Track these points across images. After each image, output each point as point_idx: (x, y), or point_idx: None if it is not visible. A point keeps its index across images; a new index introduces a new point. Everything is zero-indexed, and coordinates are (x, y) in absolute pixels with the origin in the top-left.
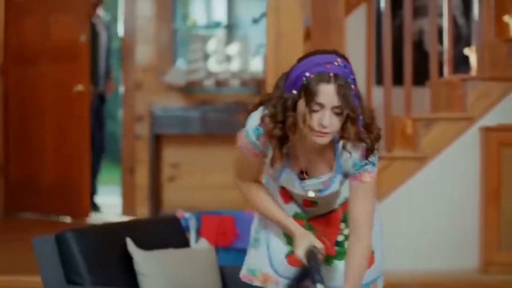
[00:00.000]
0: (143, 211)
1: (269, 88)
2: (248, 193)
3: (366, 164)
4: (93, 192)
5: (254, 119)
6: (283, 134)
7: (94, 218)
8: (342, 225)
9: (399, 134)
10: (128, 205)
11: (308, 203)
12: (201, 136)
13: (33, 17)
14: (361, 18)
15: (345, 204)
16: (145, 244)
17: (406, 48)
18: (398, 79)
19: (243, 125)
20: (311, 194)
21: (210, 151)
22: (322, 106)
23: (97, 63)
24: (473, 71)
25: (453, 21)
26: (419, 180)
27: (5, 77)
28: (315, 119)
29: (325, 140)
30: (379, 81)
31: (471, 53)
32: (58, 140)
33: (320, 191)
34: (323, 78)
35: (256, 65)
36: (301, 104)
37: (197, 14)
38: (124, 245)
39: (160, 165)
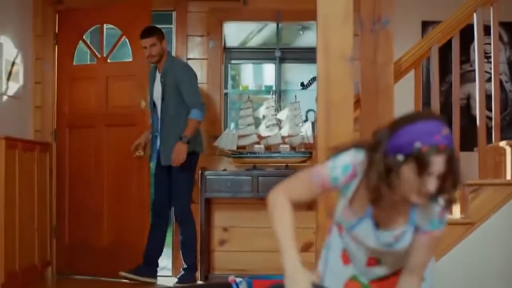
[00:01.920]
0: None
1: (322, 154)
2: (279, 209)
3: (442, 223)
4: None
5: (346, 157)
6: (379, 193)
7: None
8: None
9: None
10: (178, 268)
11: (373, 261)
12: (252, 200)
13: (93, 82)
14: (409, 83)
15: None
16: None
17: (454, 114)
18: None
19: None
20: (385, 242)
21: (260, 215)
22: (430, 174)
23: None
24: None
25: (501, 86)
26: (467, 245)
27: (61, 140)
28: (421, 186)
29: (423, 201)
30: None
31: None
32: (115, 203)
33: (390, 245)
34: (435, 151)
35: (305, 129)
36: (407, 170)
37: (248, 80)
38: None
39: (211, 228)
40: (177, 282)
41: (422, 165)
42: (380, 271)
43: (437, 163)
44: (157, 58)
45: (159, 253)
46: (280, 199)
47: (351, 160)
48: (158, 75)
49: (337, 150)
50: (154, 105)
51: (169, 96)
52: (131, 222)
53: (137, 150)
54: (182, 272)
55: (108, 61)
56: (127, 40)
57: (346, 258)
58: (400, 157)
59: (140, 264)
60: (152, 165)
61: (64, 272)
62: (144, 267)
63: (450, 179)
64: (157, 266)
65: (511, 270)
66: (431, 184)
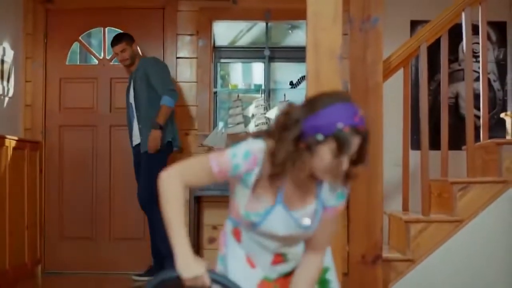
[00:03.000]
0: None
1: None
2: (171, 194)
3: (344, 196)
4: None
5: (245, 146)
6: (284, 168)
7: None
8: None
9: (436, 198)
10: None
11: (279, 258)
12: None
13: (89, 83)
14: (398, 81)
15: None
16: None
17: (443, 113)
18: (434, 143)
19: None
20: (307, 221)
21: None
22: (347, 154)
23: None
24: (509, 135)
25: (489, 86)
26: (455, 243)
27: (52, 139)
28: (337, 165)
29: (335, 180)
30: (416, 145)
31: (507, 117)
32: (106, 200)
33: (306, 228)
34: (355, 132)
35: None
36: (325, 149)
37: (237, 79)
38: None
39: (200, 226)
40: (140, 275)
41: (341, 145)
42: (286, 267)
43: (355, 144)
44: (130, 61)
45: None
46: (173, 182)
47: (250, 147)
48: (131, 77)
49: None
50: (129, 108)
51: (140, 91)
52: (121, 218)
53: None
54: (151, 264)
55: (111, 63)
56: None
57: (251, 262)
58: (319, 137)
59: (151, 265)
60: None
61: (54, 270)
62: (156, 267)
63: (360, 159)
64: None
65: (499, 267)
66: (345, 163)
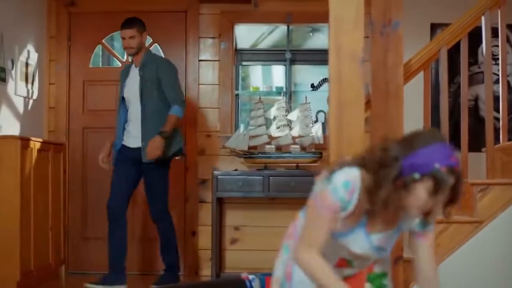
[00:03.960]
0: (205, 273)
1: (333, 154)
2: (318, 265)
3: (431, 224)
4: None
5: (342, 176)
6: (382, 205)
7: None
8: (367, 285)
9: None
10: (191, 267)
11: (344, 263)
12: (263, 199)
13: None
14: (419, 84)
15: (370, 265)
16: None
17: (463, 115)
18: (454, 145)
19: (323, 182)
20: (382, 245)
21: (271, 214)
22: (442, 193)
23: None
24: None
25: (508, 88)
26: (475, 243)
27: (75, 140)
28: (430, 203)
29: (420, 215)
30: None
31: None
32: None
33: (381, 250)
34: (451, 172)
35: (315, 130)
36: (421, 188)
37: (257, 81)
38: None
39: (222, 227)
40: (155, 283)
41: (438, 185)
42: (349, 271)
43: (450, 184)
44: (135, 51)
45: (124, 257)
46: (312, 258)
47: (347, 176)
48: (134, 70)
49: (328, 174)
50: (123, 102)
51: (149, 91)
52: (144, 219)
53: (103, 162)
54: (162, 273)
55: None
56: (158, 47)
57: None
58: (416, 176)
59: (107, 273)
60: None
61: (77, 270)
62: (112, 275)
63: (453, 199)
64: (125, 271)
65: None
66: (439, 202)
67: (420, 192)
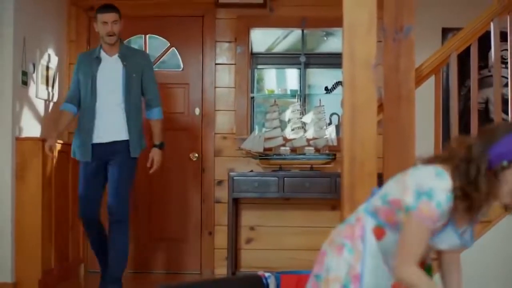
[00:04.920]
0: (221, 272)
1: (347, 156)
2: (421, 278)
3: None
4: None
5: (443, 190)
6: (484, 201)
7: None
8: None
9: None
10: (207, 266)
11: None
12: (278, 200)
13: None
14: (430, 88)
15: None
16: None
17: (473, 118)
18: None
19: (420, 194)
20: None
21: (286, 215)
22: None
23: None
24: None
25: None
26: (484, 242)
27: None
28: None
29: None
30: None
31: None
32: (149, 203)
33: (465, 245)
34: None
35: (329, 132)
36: (509, 174)
37: (271, 84)
38: None
39: (238, 227)
40: None
41: None
42: None
43: None
44: (116, 39)
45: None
46: (414, 271)
47: (448, 190)
48: (110, 59)
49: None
50: (75, 92)
51: (133, 85)
52: (160, 219)
53: (51, 151)
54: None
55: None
56: (176, 51)
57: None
58: (505, 163)
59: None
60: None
61: (96, 269)
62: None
63: None
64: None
65: None
66: None
67: (510, 178)
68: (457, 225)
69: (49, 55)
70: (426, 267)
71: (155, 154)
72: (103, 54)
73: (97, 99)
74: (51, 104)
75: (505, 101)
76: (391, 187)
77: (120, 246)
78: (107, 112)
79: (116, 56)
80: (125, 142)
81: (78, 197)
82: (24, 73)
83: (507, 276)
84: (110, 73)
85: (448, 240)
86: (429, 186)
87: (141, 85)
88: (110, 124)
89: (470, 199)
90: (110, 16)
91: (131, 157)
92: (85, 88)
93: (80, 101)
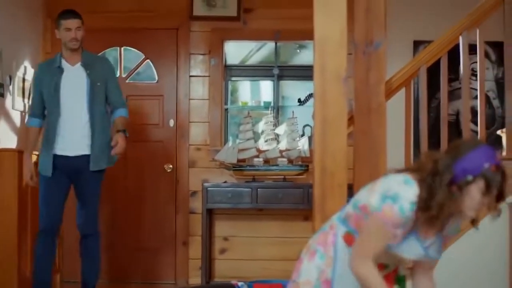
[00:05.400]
0: (196, 282)
1: (318, 167)
2: (372, 275)
3: (459, 228)
4: None
5: (408, 196)
6: (444, 212)
7: None
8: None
9: None
10: (182, 276)
11: (381, 267)
12: (251, 210)
13: None
14: (402, 100)
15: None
16: None
17: (442, 129)
18: None
19: (384, 197)
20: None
21: (259, 225)
22: (494, 192)
23: None
24: (504, 152)
25: (489, 103)
26: (455, 249)
27: None
28: (484, 203)
29: (474, 216)
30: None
31: (503, 134)
32: (130, 212)
33: (429, 256)
34: (499, 169)
35: (302, 144)
36: (474, 189)
37: (245, 95)
38: None
39: (212, 237)
40: None
41: (489, 183)
42: (383, 273)
43: (499, 181)
44: (79, 44)
45: (50, 278)
46: (370, 271)
47: (414, 197)
48: (72, 68)
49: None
50: (37, 106)
51: (98, 94)
52: (136, 228)
53: (32, 179)
54: None
55: (126, 81)
56: (151, 63)
57: None
58: (469, 178)
59: None
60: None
61: (71, 279)
62: None
63: (501, 196)
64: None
65: (494, 271)
66: (493, 200)
67: (475, 193)
68: (422, 236)
69: (25, 67)
70: (398, 277)
71: (119, 136)
72: (64, 63)
73: (61, 111)
74: (27, 115)
75: (475, 113)
76: (362, 194)
77: (93, 259)
78: (71, 124)
79: (78, 65)
80: (89, 157)
81: (39, 209)
82: (1, 85)
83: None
84: (74, 83)
85: (411, 250)
86: (395, 191)
87: (105, 93)
88: (75, 137)
89: (431, 211)
90: (73, 23)
91: (94, 171)
92: (49, 99)
93: (44, 113)
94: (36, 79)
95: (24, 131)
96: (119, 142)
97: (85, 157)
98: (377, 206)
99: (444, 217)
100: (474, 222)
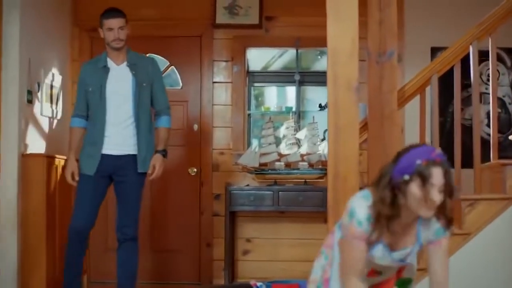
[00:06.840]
0: (219, 282)
1: (331, 172)
2: None
3: (445, 231)
4: None
5: (362, 209)
6: (391, 213)
7: None
8: None
9: None
10: (206, 277)
11: (374, 273)
12: (273, 213)
13: None
14: (418, 107)
15: (399, 270)
16: None
17: (456, 135)
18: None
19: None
20: (405, 259)
21: (281, 227)
22: (432, 185)
23: None
24: None
25: (505, 108)
26: (464, 253)
27: None
28: (427, 197)
29: (431, 213)
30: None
31: None
32: (155, 214)
33: (402, 260)
34: (432, 164)
35: (322, 148)
36: (413, 186)
37: (269, 101)
38: None
39: (235, 239)
40: None
41: (425, 178)
42: (379, 278)
43: (437, 174)
44: (123, 44)
45: (80, 278)
46: (354, 282)
47: (368, 209)
48: (117, 68)
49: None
50: (81, 104)
51: (144, 95)
52: (162, 231)
53: (74, 180)
54: None
55: None
56: (175, 70)
57: None
58: (406, 177)
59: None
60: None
61: (99, 280)
62: None
63: (448, 190)
64: None
65: (505, 276)
66: (435, 194)
67: (414, 190)
68: (388, 243)
69: (53, 74)
70: (402, 281)
71: (157, 161)
72: (110, 63)
73: (107, 111)
74: (55, 121)
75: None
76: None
77: (131, 265)
78: (117, 124)
79: (124, 65)
80: (134, 157)
81: (73, 208)
82: (29, 92)
83: (484, 285)
84: (120, 83)
85: (381, 258)
86: (352, 206)
87: (150, 94)
88: (119, 136)
89: (381, 215)
90: (116, 22)
91: (139, 173)
92: (94, 99)
93: (88, 112)
94: (81, 78)
95: (52, 136)
96: (156, 168)
97: (130, 157)
98: (345, 224)
99: (394, 219)
100: (448, 224)
